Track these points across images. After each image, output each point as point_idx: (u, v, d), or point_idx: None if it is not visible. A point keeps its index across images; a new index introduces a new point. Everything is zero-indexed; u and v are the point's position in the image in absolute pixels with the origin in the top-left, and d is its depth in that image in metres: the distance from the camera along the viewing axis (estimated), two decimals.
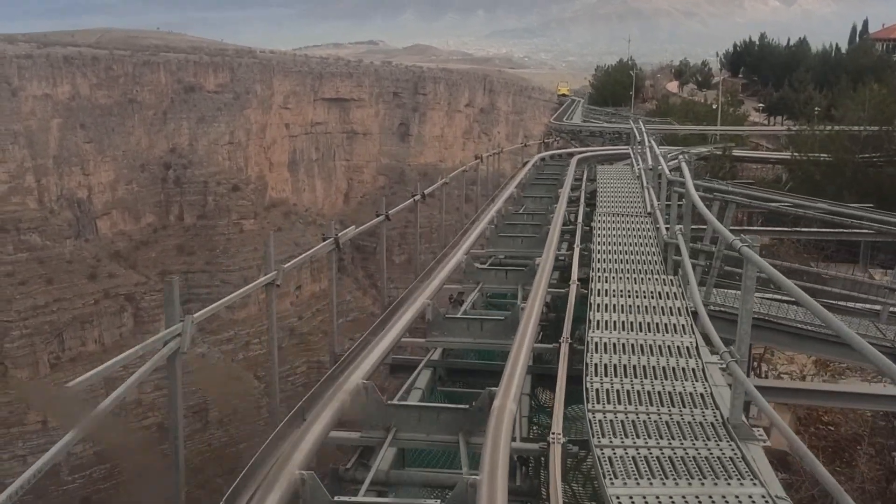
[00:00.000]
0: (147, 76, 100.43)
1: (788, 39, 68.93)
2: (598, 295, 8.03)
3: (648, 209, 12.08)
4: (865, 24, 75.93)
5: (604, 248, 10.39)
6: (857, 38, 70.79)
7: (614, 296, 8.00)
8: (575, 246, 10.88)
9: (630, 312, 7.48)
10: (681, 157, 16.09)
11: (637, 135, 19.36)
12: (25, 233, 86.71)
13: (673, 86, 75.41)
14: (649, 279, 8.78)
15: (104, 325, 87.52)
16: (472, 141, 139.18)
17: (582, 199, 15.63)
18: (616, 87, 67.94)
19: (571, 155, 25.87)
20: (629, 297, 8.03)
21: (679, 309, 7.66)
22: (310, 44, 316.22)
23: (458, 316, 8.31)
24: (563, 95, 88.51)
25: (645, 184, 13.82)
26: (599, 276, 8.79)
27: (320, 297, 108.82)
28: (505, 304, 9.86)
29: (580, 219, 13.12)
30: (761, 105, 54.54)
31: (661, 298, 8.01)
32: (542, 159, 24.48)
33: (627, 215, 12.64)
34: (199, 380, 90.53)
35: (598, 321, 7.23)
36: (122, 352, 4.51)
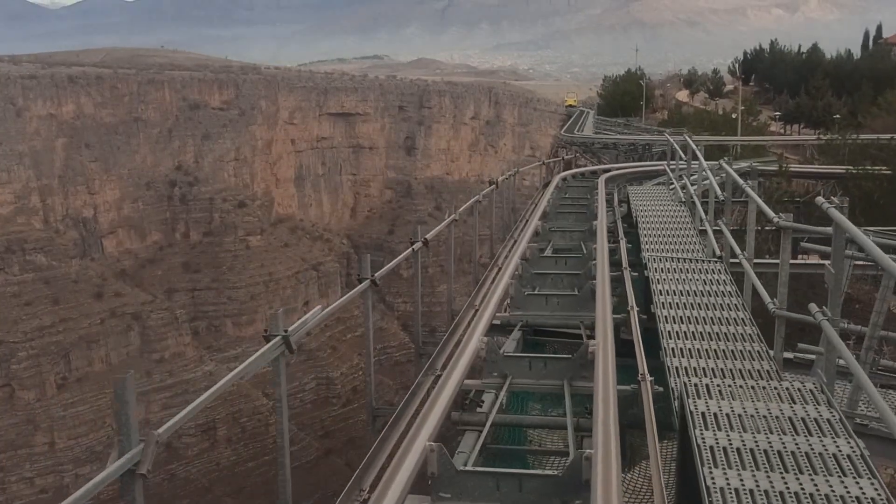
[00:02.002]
0: (152, 94, 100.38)
1: (799, 46, 67.95)
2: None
3: (717, 252, 9.63)
4: (879, 29, 74.66)
5: (671, 313, 7.60)
6: (871, 44, 69.67)
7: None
8: (631, 313, 8.05)
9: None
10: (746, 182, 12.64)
11: (677, 151, 16.56)
12: (31, 253, 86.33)
13: (682, 95, 74.52)
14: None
15: (111, 344, 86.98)
16: (479, 153, 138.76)
17: (620, 232, 12.75)
18: (625, 98, 67.03)
19: (595, 173, 23.90)
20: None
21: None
22: (315, 59, 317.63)
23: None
24: (571, 106, 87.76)
25: (705, 219, 11.09)
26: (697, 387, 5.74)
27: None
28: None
29: (625, 263, 10.45)
30: (777, 113, 53.43)
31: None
32: (564, 179, 22.34)
33: (687, 260, 9.79)
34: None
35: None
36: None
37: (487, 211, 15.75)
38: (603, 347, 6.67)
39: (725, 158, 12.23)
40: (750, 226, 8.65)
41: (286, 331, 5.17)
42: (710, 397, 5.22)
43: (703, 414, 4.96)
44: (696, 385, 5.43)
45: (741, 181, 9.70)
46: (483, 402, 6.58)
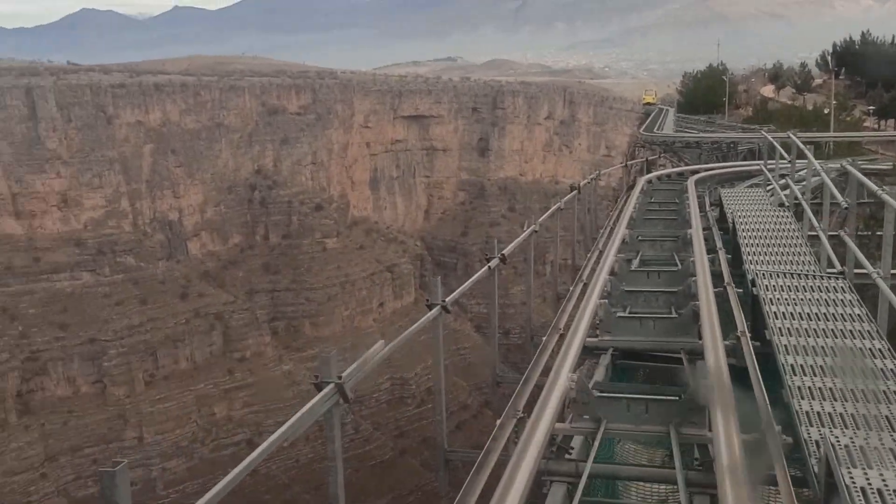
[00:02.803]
0: (233, 100, 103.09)
1: (893, 37, 64.67)
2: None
3: (837, 266, 8.51)
4: None
5: (792, 342, 6.52)
6: None
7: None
8: (742, 340, 7.03)
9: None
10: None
11: (776, 149, 14.82)
12: (121, 255, 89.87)
13: (768, 90, 71.92)
14: None
15: (195, 343, 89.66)
16: (553, 154, 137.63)
17: (718, 241, 11.46)
18: (707, 94, 65.15)
19: (682, 175, 22.39)
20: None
21: None
22: (389, 63, 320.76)
23: None
24: (649, 104, 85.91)
25: (818, 227, 9.71)
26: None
27: (402, 313, 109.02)
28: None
29: (727, 278, 9.17)
30: (871, 108, 50.84)
31: None
32: (649, 182, 20.87)
33: (801, 275, 8.51)
34: (286, 396, 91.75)
35: None
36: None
37: (567, 217, 14.78)
38: (720, 391, 5.68)
39: (849, 160, 11.20)
40: (887, 236, 7.35)
41: (340, 377, 4.51)
42: (869, 466, 4.18)
43: (863, 490, 3.89)
44: (846, 446, 4.42)
45: (874, 186, 8.43)
46: (572, 448, 5.87)
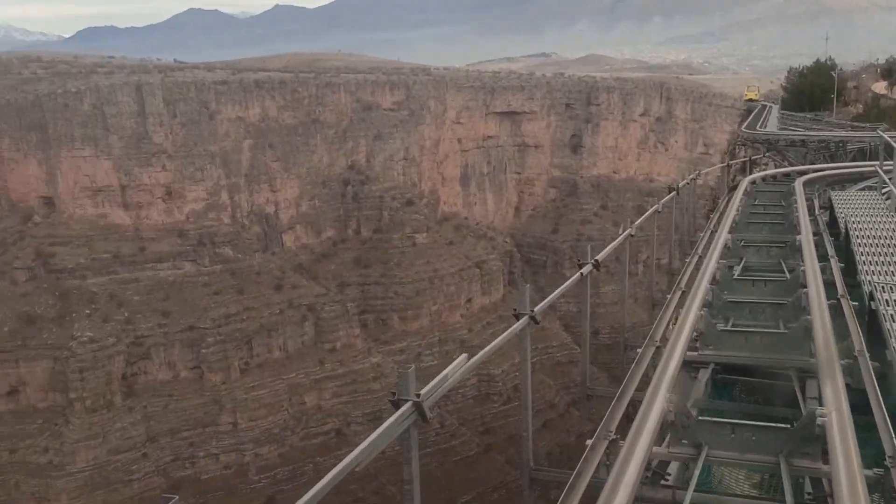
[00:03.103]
0: (329, 97, 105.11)
1: None
2: None
3: None
4: None
5: None
6: None
7: None
8: (860, 359, 6.49)
9: None
10: None
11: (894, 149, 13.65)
12: (220, 246, 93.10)
13: (880, 86, 68.21)
14: None
15: (288, 333, 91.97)
16: (648, 151, 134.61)
17: (830, 249, 10.72)
18: (814, 90, 62.33)
19: (788, 175, 21.11)
20: None
21: None
22: (483, 59, 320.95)
23: None
24: (751, 100, 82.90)
25: None
26: None
27: (490, 309, 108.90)
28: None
29: (840, 289, 8.50)
30: None
31: None
32: (753, 182, 19.79)
33: None
34: (375, 388, 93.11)
35: None
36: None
37: (663, 216, 13.97)
38: (839, 420, 5.07)
39: None
40: None
41: (419, 395, 4.33)
42: None
43: None
44: None
45: None
46: (669, 474, 5.50)
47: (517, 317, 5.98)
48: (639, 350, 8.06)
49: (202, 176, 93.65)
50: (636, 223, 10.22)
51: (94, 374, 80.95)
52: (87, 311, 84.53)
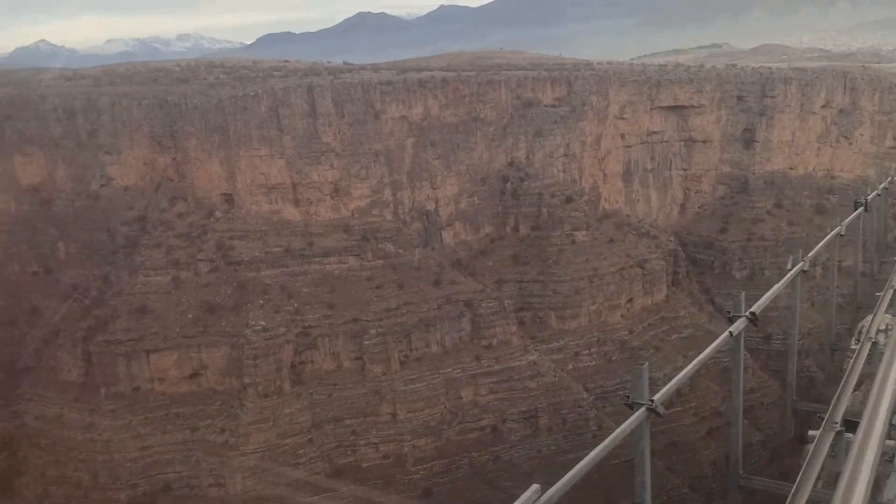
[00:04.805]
0: (489, 94, 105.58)
1: None
2: None
3: None
4: None
5: None
6: None
7: None
8: None
9: None
10: None
11: None
12: (382, 241, 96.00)
13: None
14: None
15: (445, 328, 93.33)
16: (829, 145, 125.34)
17: None
18: None
19: None
20: None
21: None
22: (649, 52, 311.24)
23: None
24: None
25: None
26: None
27: (651, 310, 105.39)
28: None
29: None
30: None
31: None
32: None
33: None
34: (531, 386, 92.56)
35: None
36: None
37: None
38: None
39: None
40: None
41: (651, 401, 4.31)
42: None
43: None
44: None
45: None
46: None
47: (731, 319, 5.37)
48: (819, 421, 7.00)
49: (367, 174, 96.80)
50: (844, 222, 9.29)
51: (266, 362, 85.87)
52: (261, 302, 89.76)
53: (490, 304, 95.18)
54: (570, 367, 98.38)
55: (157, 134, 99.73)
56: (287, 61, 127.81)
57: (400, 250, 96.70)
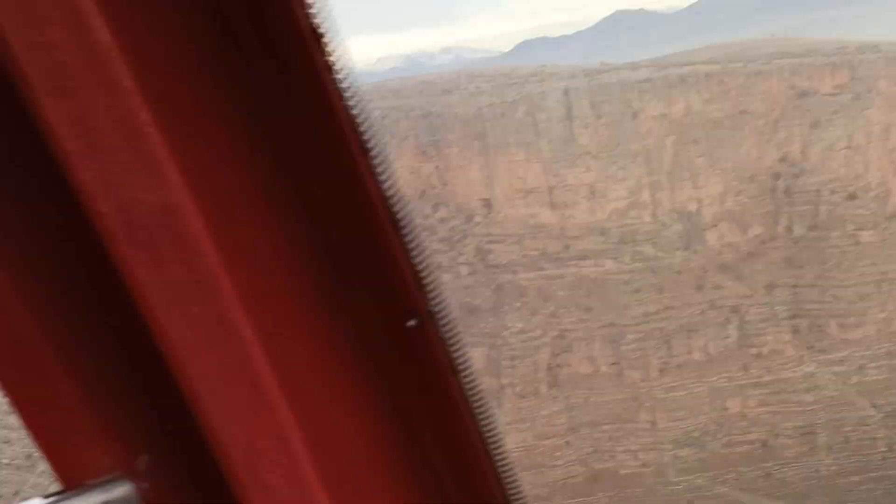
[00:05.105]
0: (758, 86, 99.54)
1: None
2: None
3: None
4: None
5: None
6: None
7: None
8: None
9: None
10: None
11: None
12: (640, 244, 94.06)
13: None
14: None
15: (709, 335, 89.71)
16: None
17: None
18: None
19: None
20: None
21: None
22: None
23: None
24: None
25: None
26: None
27: None
28: None
29: None
30: None
31: None
32: None
33: None
34: (807, 400, 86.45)
35: None
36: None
37: None
38: None
39: None
40: None
41: None
42: None
43: None
44: None
45: None
46: None
47: None
48: None
49: (624, 175, 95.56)
50: None
51: (523, 363, 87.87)
52: (518, 304, 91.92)
53: (760, 311, 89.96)
54: (855, 380, 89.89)
55: (422, 144, 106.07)
56: (544, 66, 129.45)
57: (659, 253, 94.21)
